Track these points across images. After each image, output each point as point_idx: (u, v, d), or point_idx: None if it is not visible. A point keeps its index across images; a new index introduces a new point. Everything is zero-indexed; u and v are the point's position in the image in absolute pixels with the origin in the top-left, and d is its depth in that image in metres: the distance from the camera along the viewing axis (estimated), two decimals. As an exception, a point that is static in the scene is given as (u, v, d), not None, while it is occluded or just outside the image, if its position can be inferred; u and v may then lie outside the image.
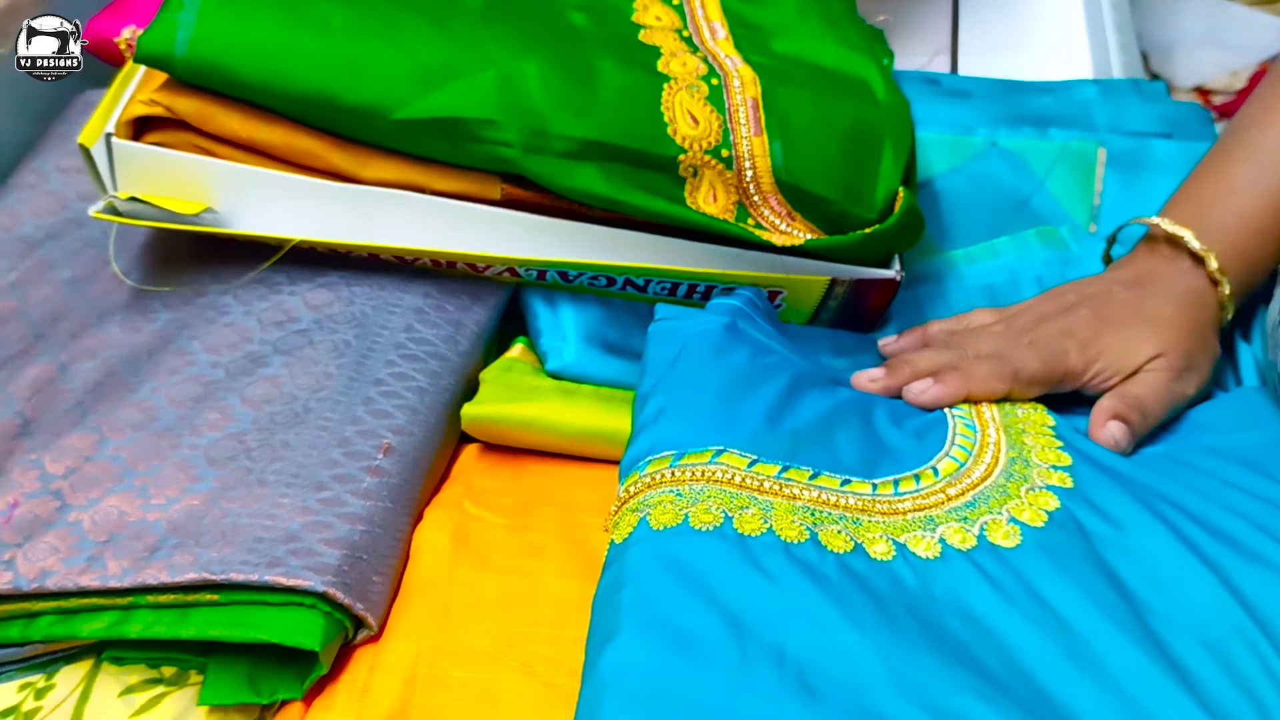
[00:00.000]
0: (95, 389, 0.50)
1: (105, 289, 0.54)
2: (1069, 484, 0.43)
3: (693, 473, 0.41)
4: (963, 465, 0.44)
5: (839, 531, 0.40)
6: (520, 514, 0.49)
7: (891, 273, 0.52)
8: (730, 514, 0.39)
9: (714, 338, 0.47)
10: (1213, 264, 0.50)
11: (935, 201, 0.60)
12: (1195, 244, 0.51)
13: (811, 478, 0.42)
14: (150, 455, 0.47)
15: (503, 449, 0.52)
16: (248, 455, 0.46)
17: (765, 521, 0.39)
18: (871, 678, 0.35)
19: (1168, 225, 0.52)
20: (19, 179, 0.60)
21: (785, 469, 0.42)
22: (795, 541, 0.39)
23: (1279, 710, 0.36)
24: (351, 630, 0.43)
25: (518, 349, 0.54)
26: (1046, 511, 0.42)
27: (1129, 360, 0.49)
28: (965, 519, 0.41)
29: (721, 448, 0.42)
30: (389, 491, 0.46)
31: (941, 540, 0.40)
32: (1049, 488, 0.43)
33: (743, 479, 0.41)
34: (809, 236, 0.50)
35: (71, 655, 0.43)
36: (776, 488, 0.41)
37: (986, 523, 0.41)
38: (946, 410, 0.47)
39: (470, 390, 0.52)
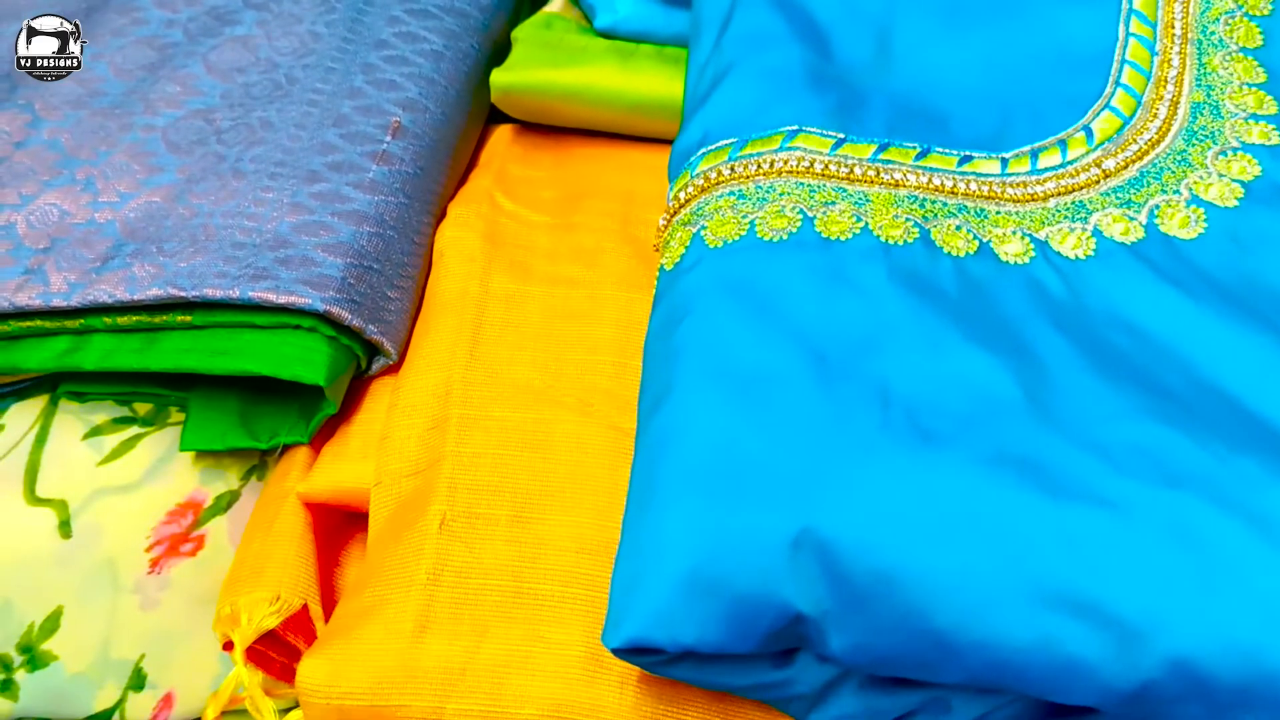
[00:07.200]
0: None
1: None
2: (1274, 139, 0.33)
3: (759, 165, 0.32)
4: (1128, 121, 0.34)
5: (958, 227, 0.31)
6: (566, 209, 0.40)
7: None
8: (811, 214, 0.31)
9: None
10: None
11: None
12: None
13: (919, 157, 0.33)
14: (95, 139, 0.37)
15: (542, 128, 0.44)
16: (218, 138, 0.37)
17: (859, 220, 0.31)
18: (1009, 413, 0.27)
19: None
20: None
21: (884, 148, 0.33)
22: (900, 243, 0.30)
23: None
24: (365, 360, 0.35)
25: (559, 2, 0.45)
26: (1241, 183, 0.32)
27: None
28: (1129, 202, 0.32)
29: (797, 127, 0.33)
30: (402, 182, 0.37)
31: (1096, 232, 0.31)
32: (1247, 148, 0.33)
33: (826, 166, 0.32)
34: None
35: (21, 391, 0.35)
36: (873, 174, 0.32)
37: (1158, 206, 0.32)
38: (1120, 9, 0.36)
39: (500, 55, 0.44)
